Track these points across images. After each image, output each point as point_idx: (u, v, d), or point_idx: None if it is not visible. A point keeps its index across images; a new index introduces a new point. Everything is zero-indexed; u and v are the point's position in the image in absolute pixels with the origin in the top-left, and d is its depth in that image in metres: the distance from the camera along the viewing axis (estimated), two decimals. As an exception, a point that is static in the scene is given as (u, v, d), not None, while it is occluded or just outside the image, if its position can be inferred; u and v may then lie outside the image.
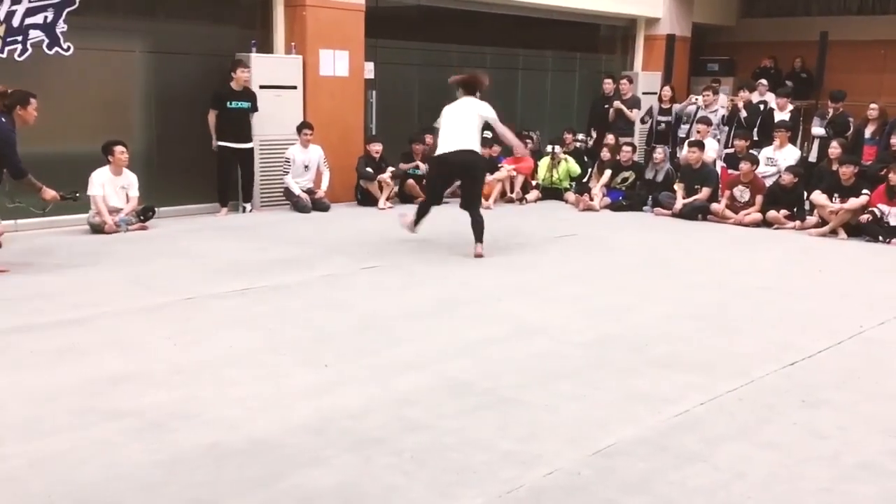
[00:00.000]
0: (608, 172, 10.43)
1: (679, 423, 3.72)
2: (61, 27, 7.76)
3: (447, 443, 3.45)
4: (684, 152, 10.17)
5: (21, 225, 7.74)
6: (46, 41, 7.73)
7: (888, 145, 9.55)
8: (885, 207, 8.47)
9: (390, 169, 9.92)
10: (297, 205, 9.37)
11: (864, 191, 8.64)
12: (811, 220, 9.06)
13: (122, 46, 8.55)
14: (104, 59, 8.40)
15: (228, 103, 8.85)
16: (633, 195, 10.29)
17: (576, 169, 11.01)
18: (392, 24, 10.78)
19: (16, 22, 7.52)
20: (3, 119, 5.99)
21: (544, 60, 13.14)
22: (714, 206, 9.56)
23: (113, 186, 7.87)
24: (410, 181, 10.17)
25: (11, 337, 4.68)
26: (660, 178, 10.26)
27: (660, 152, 10.40)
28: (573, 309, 5.60)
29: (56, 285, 5.87)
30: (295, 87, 9.52)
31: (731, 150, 10.40)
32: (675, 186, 9.91)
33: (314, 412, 3.73)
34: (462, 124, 6.96)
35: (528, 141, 11.05)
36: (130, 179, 8.00)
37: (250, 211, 9.30)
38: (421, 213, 7.38)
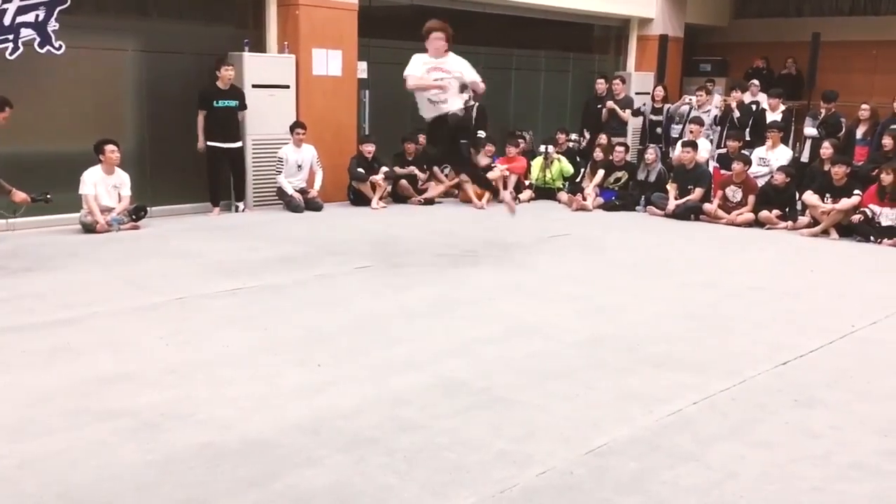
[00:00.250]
0: (601, 172, 10.45)
1: (672, 423, 3.73)
2: (53, 26, 7.73)
3: (441, 442, 3.45)
4: (677, 152, 10.20)
5: (12, 224, 7.72)
6: (38, 40, 7.69)
7: (879, 146, 9.58)
8: (876, 208, 8.51)
9: (383, 169, 9.91)
10: (289, 204, 9.35)
11: (856, 191, 8.68)
12: (803, 220, 9.09)
13: (114, 45, 8.52)
14: (96, 57, 8.37)
15: (215, 103, 8.81)
16: (626, 195, 10.31)
17: (569, 169, 11.03)
18: (385, 24, 10.77)
19: (7, 20, 7.48)
20: None
21: (538, 60, 13.15)
22: (706, 206, 9.59)
23: (105, 186, 7.84)
24: (403, 182, 10.18)
25: (3, 337, 4.66)
26: (652, 178, 10.29)
27: (651, 152, 10.42)
28: (567, 309, 5.61)
29: (48, 285, 5.85)
30: (288, 87, 9.50)
31: (723, 151, 10.44)
32: (668, 186, 9.94)
33: (308, 412, 3.73)
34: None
35: (520, 141, 11.07)
36: (122, 178, 7.97)
37: (243, 210, 9.29)
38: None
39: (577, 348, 4.76)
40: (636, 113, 11.90)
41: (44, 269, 6.33)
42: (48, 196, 7.04)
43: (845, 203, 8.66)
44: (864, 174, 9.18)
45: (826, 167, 9.09)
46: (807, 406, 4.00)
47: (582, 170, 11.13)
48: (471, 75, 6.65)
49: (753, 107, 11.29)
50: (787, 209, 9.25)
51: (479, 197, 10.19)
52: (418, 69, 6.51)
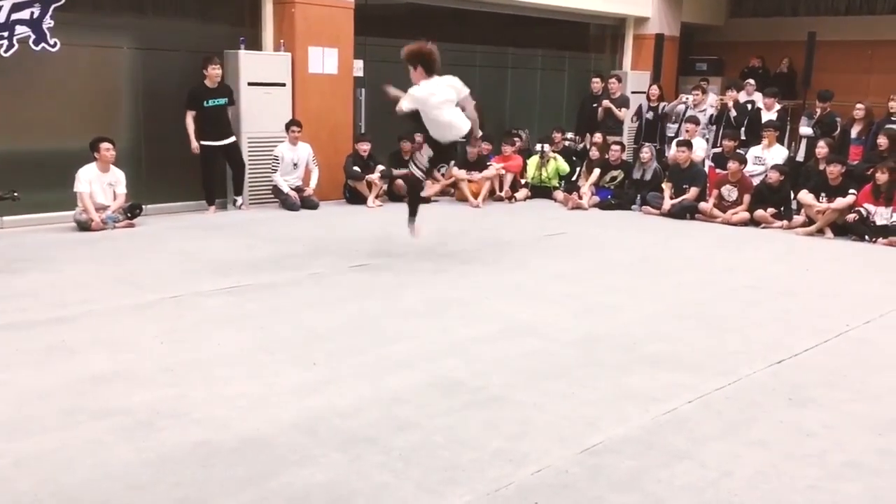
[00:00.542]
0: (597, 171, 10.45)
1: (667, 422, 3.74)
2: (48, 23, 7.71)
3: (436, 441, 3.46)
4: (672, 151, 10.22)
5: (6, 222, 7.71)
6: (33, 37, 7.67)
7: (874, 145, 9.61)
8: (871, 207, 8.53)
9: (379, 168, 9.91)
10: (285, 203, 9.34)
11: (851, 190, 8.70)
12: (798, 219, 9.11)
13: (109, 43, 8.50)
14: (91, 55, 8.35)
15: (206, 102, 8.76)
16: (622, 194, 10.32)
17: (565, 167, 11.04)
18: (381, 22, 10.77)
19: (2, 17, 7.46)
20: None
21: (534, 59, 13.16)
22: (702, 205, 9.60)
23: (100, 183, 7.83)
24: (399, 181, 10.17)
25: (-2, 335, 4.66)
26: (648, 176, 10.30)
27: (646, 151, 10.43)
28: (562, 308, 5.61)
29: (42, 283, 5.83)
30: (284, 85, 9.49)
31: (718, 150, 10.45)
32: (663, 186, 9.95)
33: (304, 411, 3.73)
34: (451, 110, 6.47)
35: (516, 140, 11.08)
36: (118, 176, 7.95)
37: (241, 205, 9.26)
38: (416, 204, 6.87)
39: (573, 347, 4.77)
40: (633, 121, 11.93)
41: (38, 267, 6.32)
42: (15, 194, 6.99)
43: (840, 202, 8.68)
44: (859, 173, 9.21)
45: (821, 166, 9.11)
46: (801, 405, 4.01)
47: (578, 168, 11.14)
48: (463, 89, 6.51)
49: (749, 106, 11.32)
50: (782, 208, 9.27)
51: (475, 195, 10.20)
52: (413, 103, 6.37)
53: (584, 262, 7.19)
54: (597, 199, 10.31)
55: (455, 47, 11.75)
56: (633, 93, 12.63)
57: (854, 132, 10.23)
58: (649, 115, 11.67)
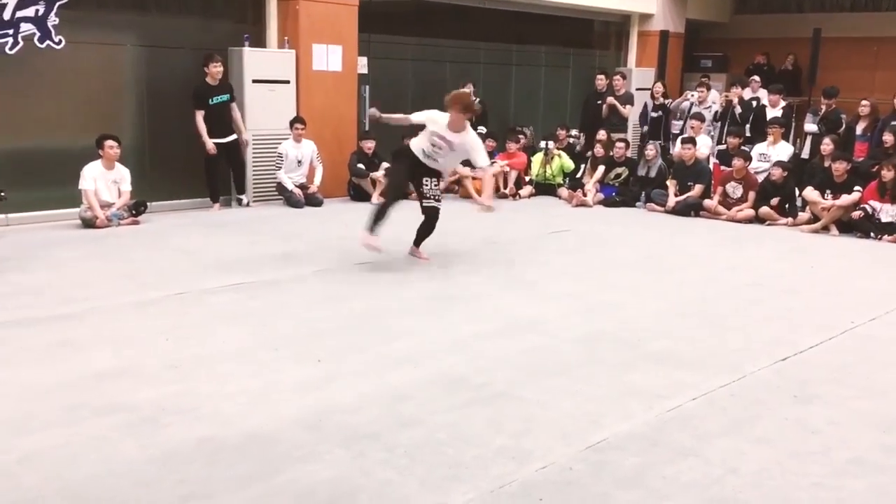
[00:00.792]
0: (601, 168, 10.44)
1: (671, 419, 3.74)
2: (53, 20, 7.71)
3: (440, 438, 3.46)
4: (677, 148, 10.20)
5: (11, 219, 7.72)
6: (38, 34, 7.68)
7: (880, 142, 9.57)
8: (876, 204, 8.51)
9: (384, 165, 9.90)
10: (289, 200, 9.35)
11: (856, 187, 8.68)
12: (803, 216, 9.09)
13: (113, 40, 8.51)
14: (96, 52, 8.36)
15: (211, 100, 8.78)
16: (627, 191, 10.31)
17: (569, 164, 11.02)
18: (385, 19, 10.76)
19: (7, 15, 7.47)
20: None
21: (538, 56, 13.14)
22: (707, 202, 9.59)
23: (105, 181, 7.84)
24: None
25: (3, 332, 4.66)
26: (652, 173, 10.28)
27: (651, 148, 10.41)
28: (566, 304, 5.61)
29: (47, 280, 5.85)
30: (288, 82, 9.49)
31: (723, 147, 10.43)
32: (668, 183, 9.94)
33: (308, 407, 3.73)
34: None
35: (521, 137, 11.06)
36: (122, 174, 7.96)
37: (247, 204, 9.27)
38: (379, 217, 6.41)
39: (577, 344, 4.76)
40: (643, 113, 11.92)
41: (43, 264, 6.33)
42: (2, 194, 7.00)
43: (845, 199, 8.66)
44: (864, 170, 9.18)
45: (826, 163, 9.09)
46: (806, 402, 4.00)
47: (582, 166, 11.12)
48: (481, 160, 6.50)
49: (754, 103, 11.28)
50: (786, 205, 9.25)
51: (479, 192, 10.17)
52: (423, 137, 6.44)
53: (588, 260, 7.19)
54: (601, 196, 10.29)
55: (459, 44, 11.78)
56: (637, 90, 12.61)
57: (859, 129, 10.19)
58: (654, 114, 11.66)
